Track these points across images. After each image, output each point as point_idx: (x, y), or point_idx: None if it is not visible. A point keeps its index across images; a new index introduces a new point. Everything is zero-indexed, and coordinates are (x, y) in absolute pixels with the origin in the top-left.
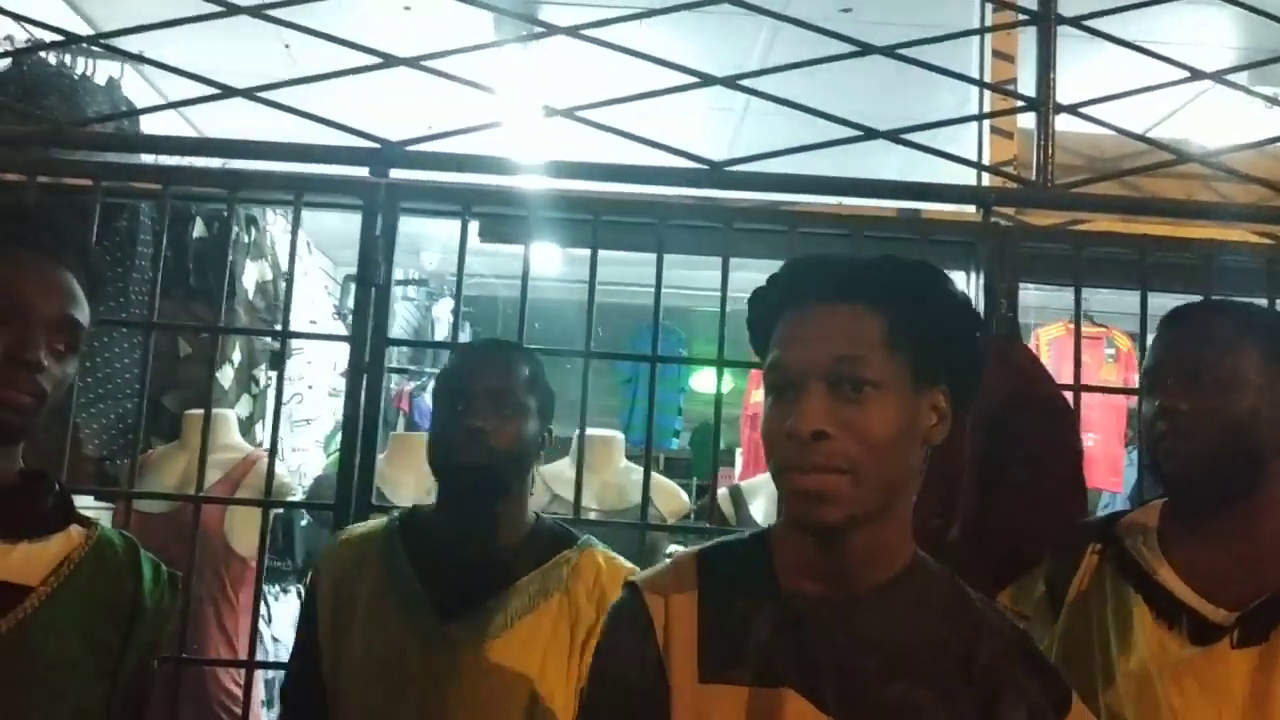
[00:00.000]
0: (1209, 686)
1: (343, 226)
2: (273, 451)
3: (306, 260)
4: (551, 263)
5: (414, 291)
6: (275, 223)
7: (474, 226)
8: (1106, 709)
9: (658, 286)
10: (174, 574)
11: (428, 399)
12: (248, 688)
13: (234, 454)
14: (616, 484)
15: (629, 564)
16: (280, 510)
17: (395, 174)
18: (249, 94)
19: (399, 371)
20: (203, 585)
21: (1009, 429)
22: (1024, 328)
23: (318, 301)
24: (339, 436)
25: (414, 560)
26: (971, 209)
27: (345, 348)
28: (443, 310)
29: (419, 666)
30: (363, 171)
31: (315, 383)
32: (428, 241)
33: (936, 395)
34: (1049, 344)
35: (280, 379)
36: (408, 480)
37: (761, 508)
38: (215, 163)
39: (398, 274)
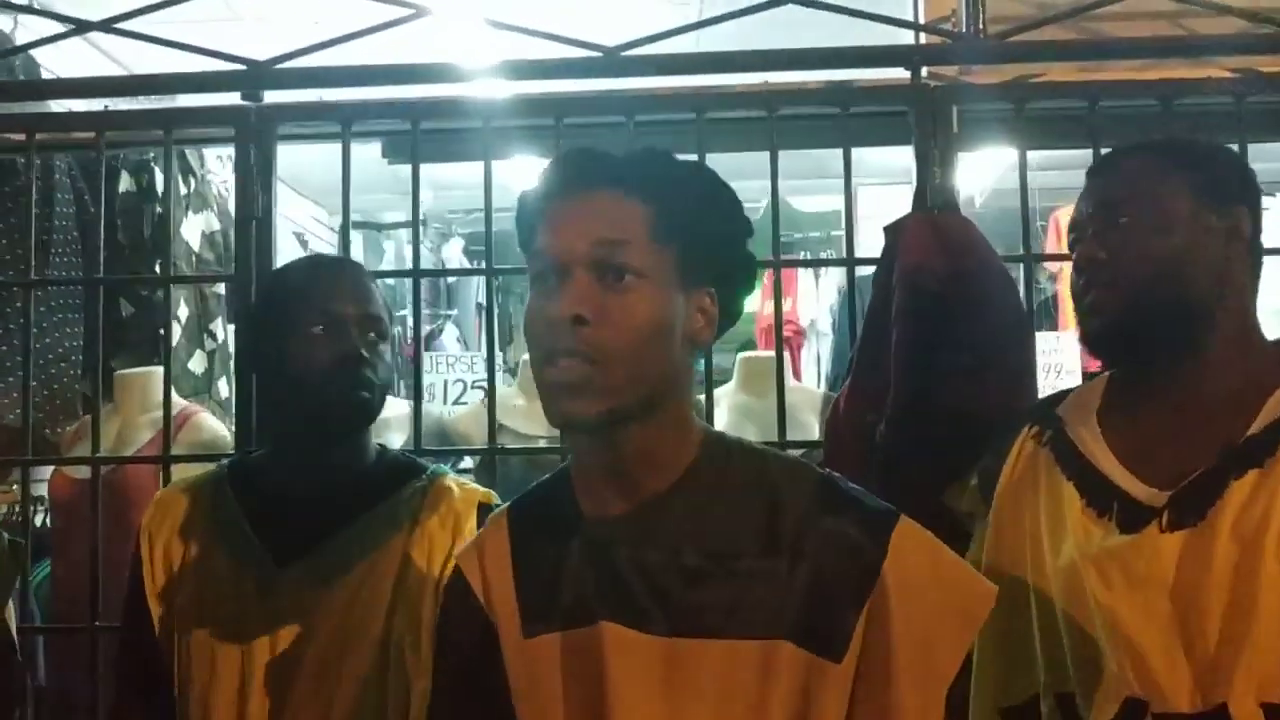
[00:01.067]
0: (1136, 578)
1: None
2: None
3: (285, 207)
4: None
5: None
6: (226, 165)
7: (375, 147)
8: (1037, 610)
9: None
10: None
11: (445, 341)
12: None
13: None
14: None
15: (483, 489)
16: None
17: (280, 96)
18: (105, 27)
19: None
20: None
21: (946, 310)
22: (1040, 210)
23: (298, 253)
24: None
25: (245, 507)
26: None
27: None
28: (454, 251)
29: (258, 616)
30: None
31: None
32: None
33: (703, 297)
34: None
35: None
36: None
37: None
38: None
39: (397, 216)
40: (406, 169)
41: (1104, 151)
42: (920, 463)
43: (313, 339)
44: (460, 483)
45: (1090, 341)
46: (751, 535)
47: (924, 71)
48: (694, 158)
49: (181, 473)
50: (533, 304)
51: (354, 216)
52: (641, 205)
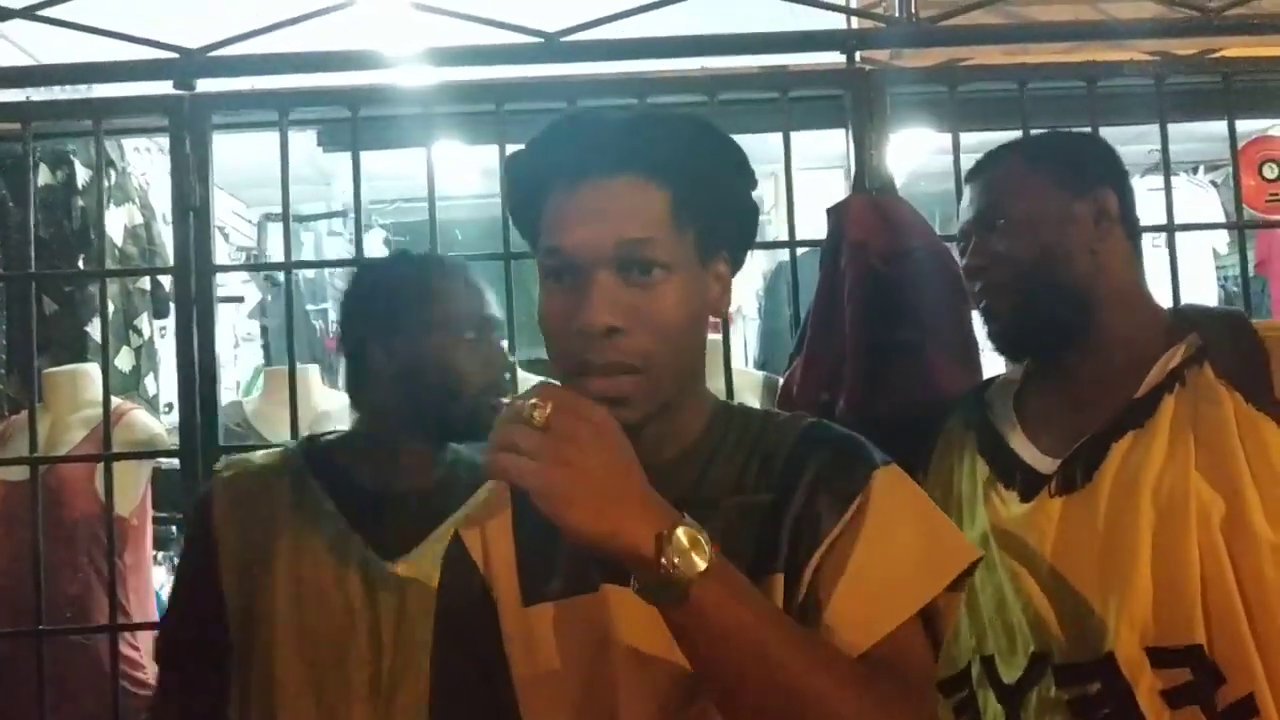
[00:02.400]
0: (1031, 542)
1: (252, 163)
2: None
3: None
4: (469, 179)
5: (339, 225)
6: (146, 157)
7: (310, 136)
8: None
9: None
10: None
11: None
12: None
13: (100, 410)
14: None
15: None
16: (159, 465)
17: (213, 85)
18: (30, 14)
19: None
20: (78, 550)
21: (891, 288)
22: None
23: (221, 248)
24: (260, 380)
25: (335, 497)
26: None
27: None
28: (374, 240)
29: (365, 612)
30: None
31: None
32: (341, 170)
33: (719, 264)
34: None
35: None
36: (285, 416)
37: None
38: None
39: (318, 207)
40: (327, 160)
41: (1033, 132)
42: (879, 439)
43: (464, 344)
44: None
45: (994, 345)
46: (744, 483)
47: (857, 56)
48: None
49: (121, 471)
50: (552, 304)
51: (271, 208)
52: (661, 191)
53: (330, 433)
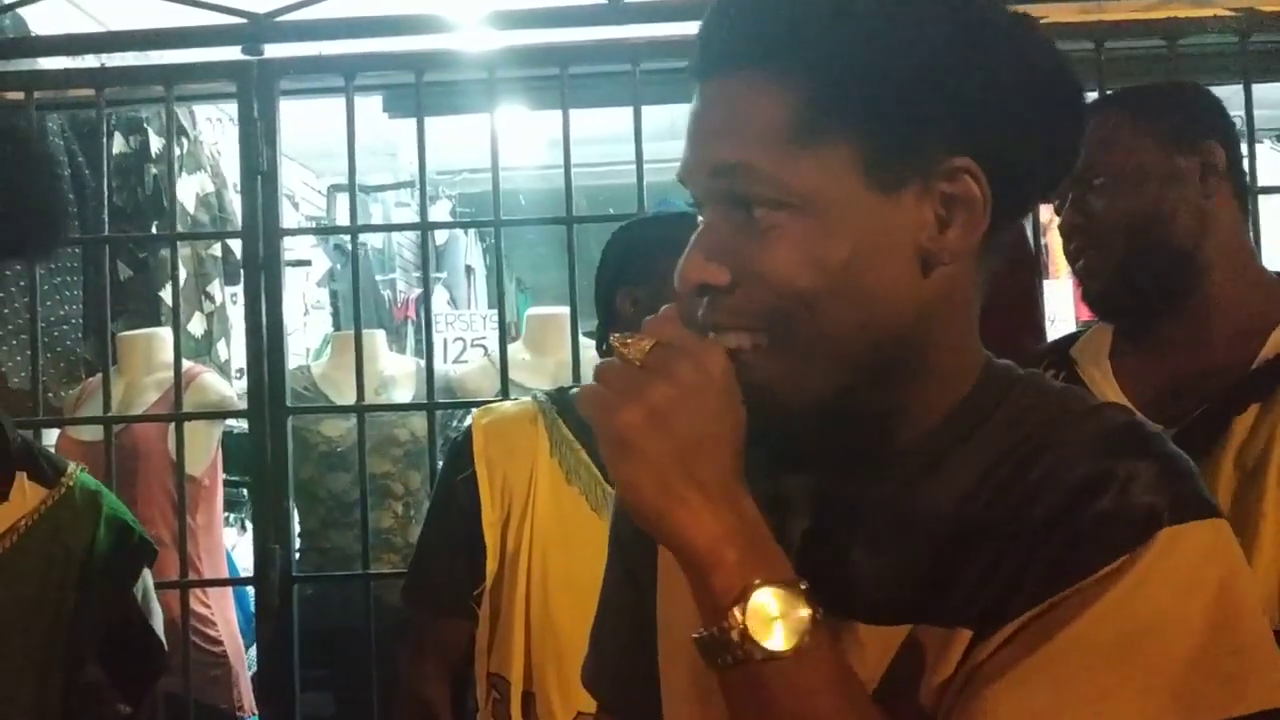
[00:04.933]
0: None
1: (322, 133)
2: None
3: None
4: (534, 150)
5: (407, 196)
6: (218, 127)
7: (375, 100)
8: None
9: (638, 141)
10: (144, 539)
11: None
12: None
13: (173, 373)
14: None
15: None
16: (227, 428)
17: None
18: None
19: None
20: (153, 508)
21: None
22: None
23: (290, 216)
24: (328, 348)
25: (585, 446)
26: None
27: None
28: (442, 212)
29: None
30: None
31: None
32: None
33: (937, 184)
34: None
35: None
36: (351, 380)
37: None
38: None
39: (385, 178)
40: (394, 131)
41: (1109, 93)
42: None
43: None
44: None
45: (1092, 305)
46: (981, 491)
47: None
48: None
49: (192, 432)
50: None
51: (340, 179)
52: (783, 91)
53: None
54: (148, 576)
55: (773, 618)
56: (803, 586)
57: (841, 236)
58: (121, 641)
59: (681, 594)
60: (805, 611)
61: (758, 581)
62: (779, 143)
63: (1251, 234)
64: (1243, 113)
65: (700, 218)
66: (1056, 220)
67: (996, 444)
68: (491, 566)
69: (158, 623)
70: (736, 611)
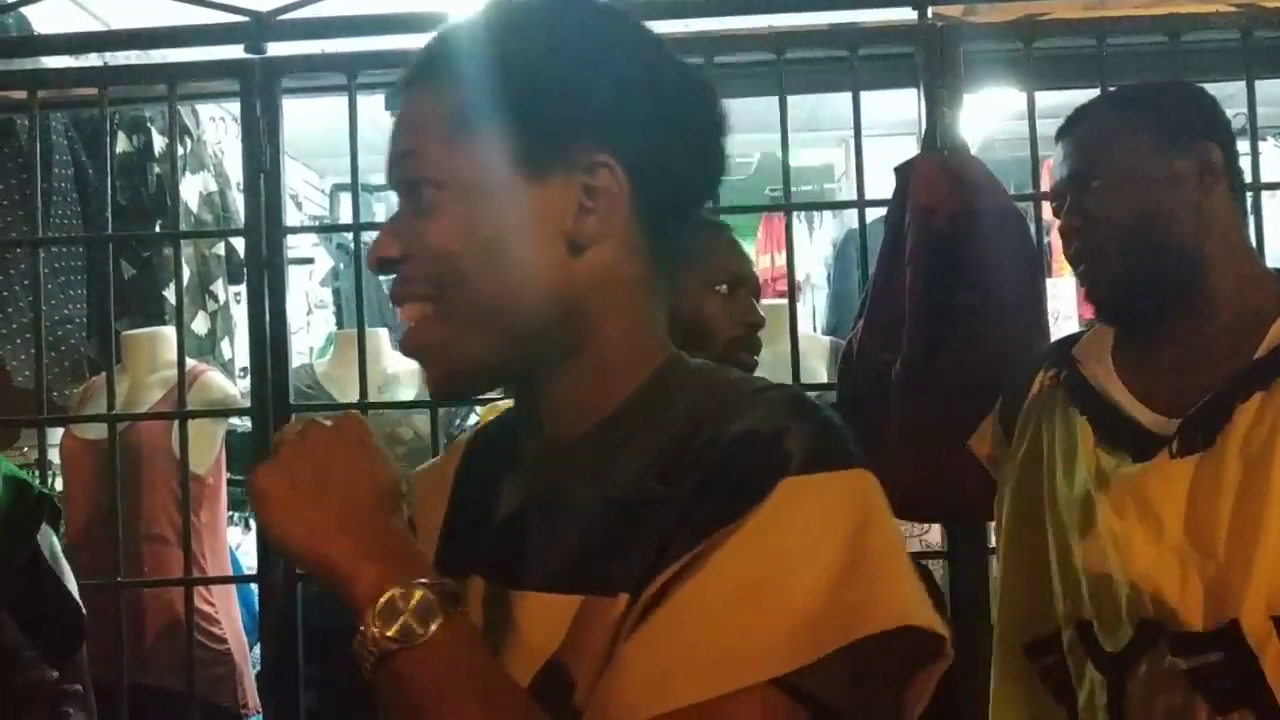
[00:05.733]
0: (1147, 505)
1: (325, 132)
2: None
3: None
4: None
5: None
6: (221, 126)
7: (377, 99)
8: (1054, 542)
9: None
10: (43, 494)
11: None
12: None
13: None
14: None
15: None
16: (231, 427)
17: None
18: None
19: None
20: (158, 506)
21: (957, 248)
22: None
23: (294, 216)
24: (332, 347)
25: None
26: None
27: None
28: None
29: None
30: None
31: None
32: None
33: (586, 173)
34: None
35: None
36: (354, 378)
37: None
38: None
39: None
40: None
41: (1103, 94)
42: (937, 403)
43: (716, 296)
44: None
45: (1095, 309)
46: (652, 470)
47: (928, 12)
48: None
49: (196, 430)
50: None
51: (343, 179)
52: (443, 94)
53: None
54: (54, 539)
55: (400, 615)
56: (434, 585)
57: (492, 213)
58: (38, 603)
59: None
60: (434, 607)
61: (389, 587)
62: (440, 133)
63: (1254, 231)
64: (1245, 110)
65: None
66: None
67: (670, 428)
68: None
69: (70, 583)
70: (369, 615)
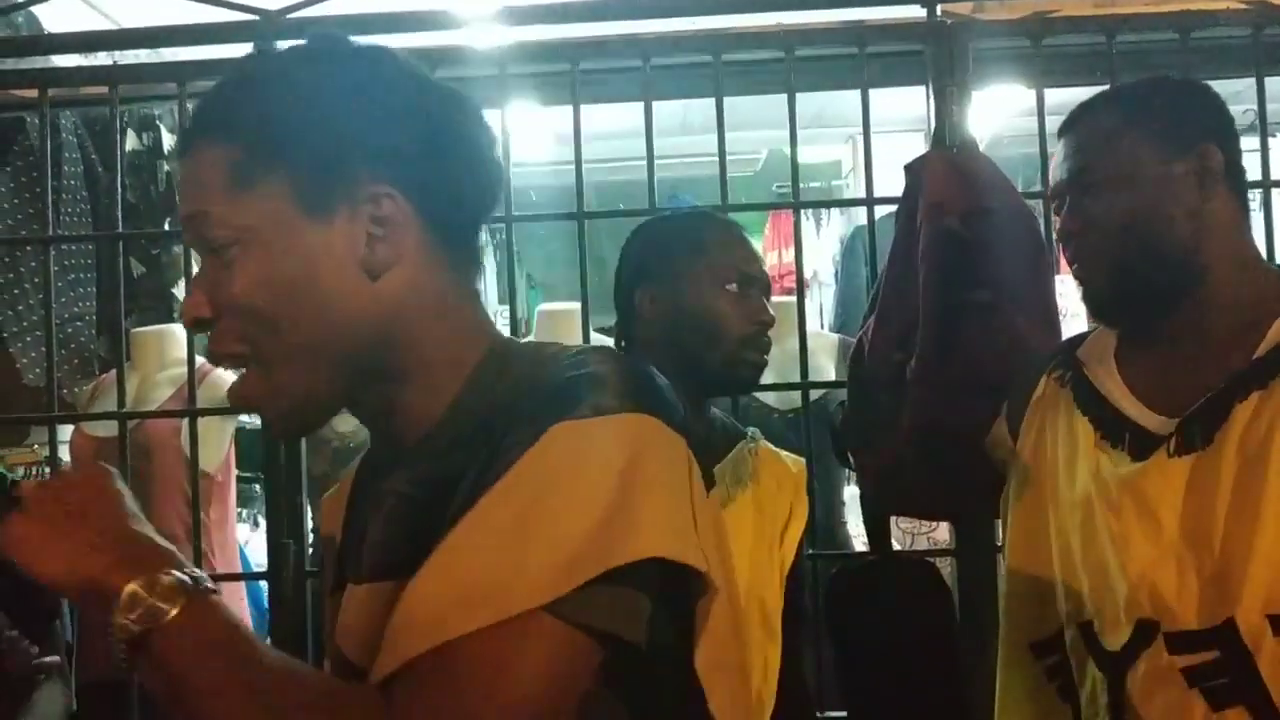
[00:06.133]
0: (1145, 505)
1: None
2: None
3: None
4: (544, 146)
5: None
6: None
7: None
8: (1056, 542)
9: (648, 136)
10: (13, 481)
11: None
12: None
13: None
14: None
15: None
16: (240, 424)
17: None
18: None
19: None
20: (168, 503)
21: (966, 248)
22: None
23: None
24: None
25: None
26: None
27: None
28: None
29: None
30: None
31: None
32: None
33: (368, 205)
34: None
35: None
36: None
37: None
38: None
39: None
40: None
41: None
42: (950, 402)
43: (725, 295)
44: (773, 450)
45: (1089, 309)
46: (453, 452)
47: (937, 9)
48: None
49: (205, 427)
50: None
51: None
52: (219, 149)
53: None
54: None
55: (144, 602)
56: (179, 574)
57: (287, 257)
58: (12, 583)
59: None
60: (177, 591)
61: (130, 584)
62: (221, 189)
63: (1265, 229)
64: (1255, 106)
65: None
66: None
67: (483, 412)
68: None
69: None
70: (117, 613)
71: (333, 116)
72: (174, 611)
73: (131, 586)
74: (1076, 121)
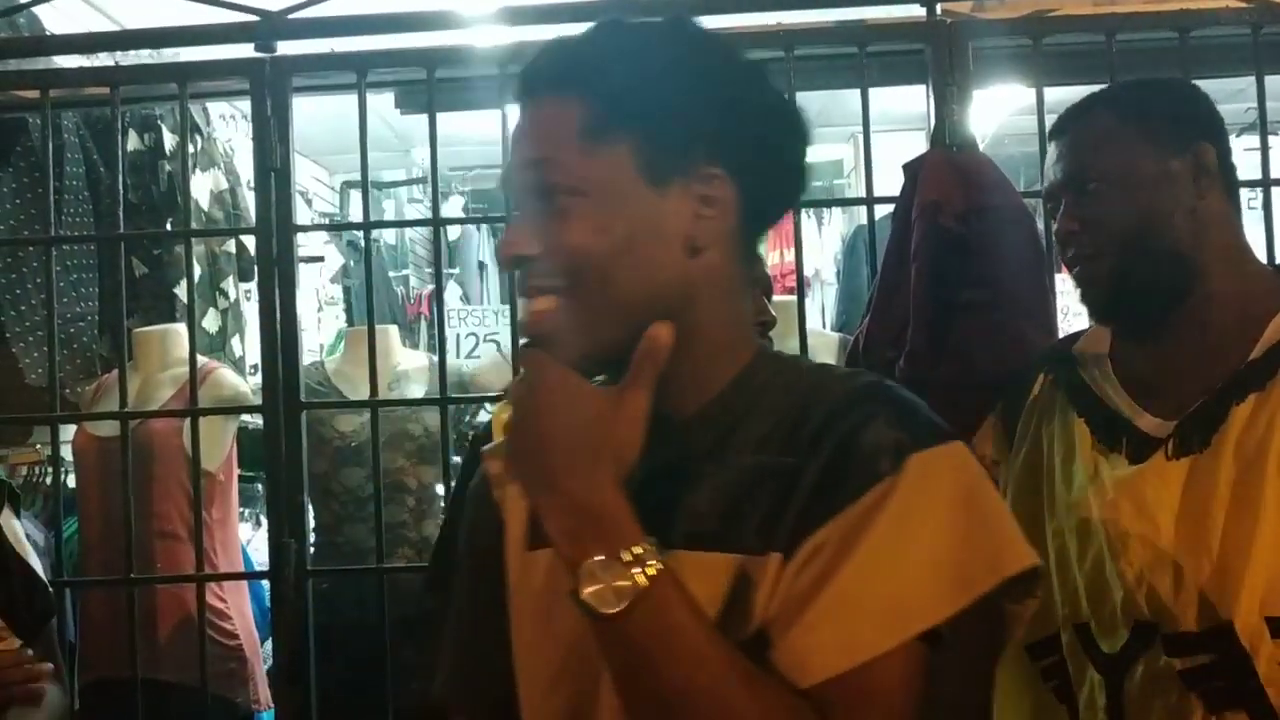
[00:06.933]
0: (1142, 507)
1: (335, 130)
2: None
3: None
4: None
5: (419, 193)
6: (231, 124)
7: (388, 97)
8: (1052, 544)
9: None
10: (3, 480)
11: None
12: None
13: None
14: None
15: None
16: (241, 424)
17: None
18: None
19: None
20: (170, 502)
21: (960, 247)
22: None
23: (304, 214)
24: (342, 344)
25: None
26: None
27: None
28: (455, 209)
29: None
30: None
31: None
32: (420, 136)
33: (699, 183)
34: None
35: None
36: (365, 375)
37: None
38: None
39: (398, 175)
40: (406, 127)
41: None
42: (941, 400)
43: None
44: None
45: (1089, 310)
46: (771, 442)
47: (937, 9)
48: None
49: (207, 427)
50: None
51: (353, 176)
52: (571, 106)
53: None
54: (15, 521)
55: (622, 576)
56: (645, 547)
57: (622, 217)
58: (7, 584)
59: (539, 599)
60: (651, 557)
61: (628, 550)
62: (570, 142)
63: (1264, 228)
64: (1255, 105)
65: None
66: None
67: (776, 406)
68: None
69: (34, 562)
70: (585, 576)
71: (686, 95)
72: (650, 583)
73: (634, 550)
74: (1069, 123)
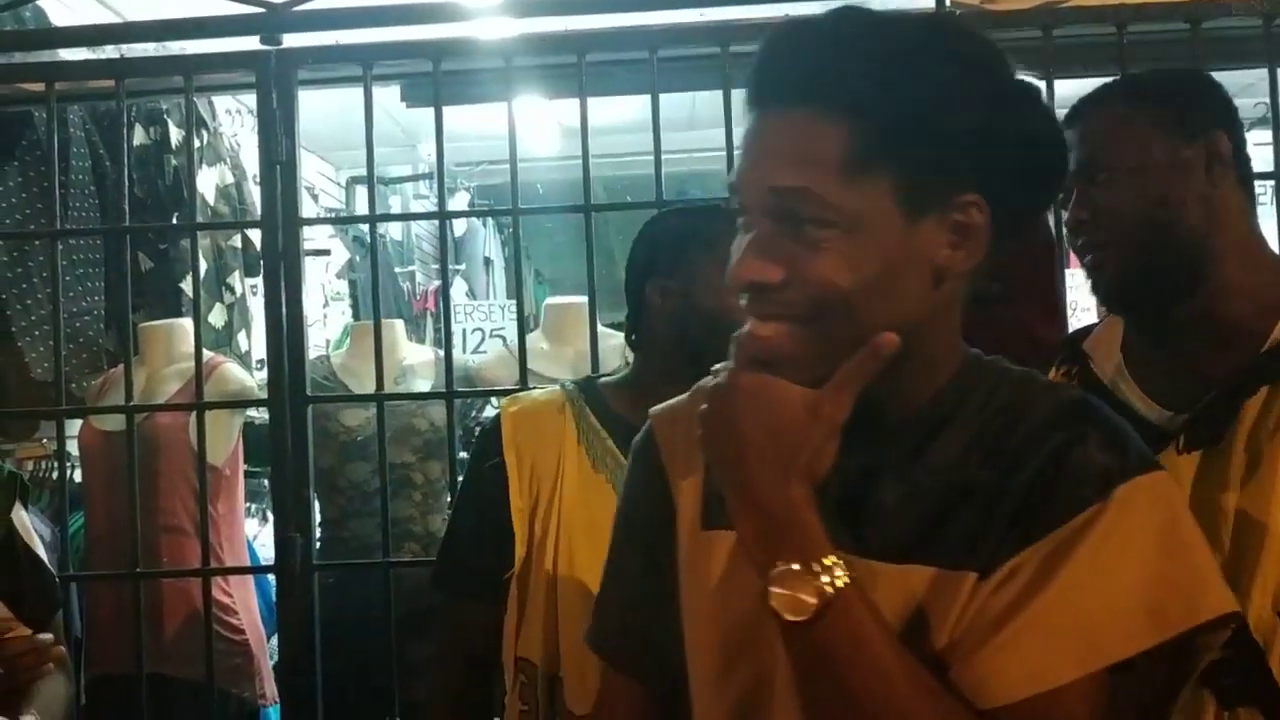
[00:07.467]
0: None
1: (340, 126)
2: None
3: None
4: (551, 140)
5: (425, 189)
6: (237, 119)
7: (394, 91)
8: None
9: (655, 130)
10: (13, 473)
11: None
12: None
13: (194, 363)
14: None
15: None
16: (247, 419)
17: (299, 40)
18: None
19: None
20: (176, 496)
21: None
22: None
23: (309, 209)
24: (348, 338)
25: (611, 435)
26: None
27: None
28: (461, 204)
29: None
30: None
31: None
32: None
33: (956, 212)
34: None
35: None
36: (370, 369)
37: None
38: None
39: (404, 171)
40: (413, 122)
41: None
42: None
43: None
44: None
45: (1102, 300)
46: (973, 454)
47: (947, 1)
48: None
49: (213, 421)
50: (735, 244)
51: (359, 171)
52: (836, 127)
53: (608, 373)
54: (24, 514)
55: (817, 581)
56: (832, 559)
57: (877, 251)
58: (17, 577)
59: (713, 579)
60: (837, 570)
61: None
62: (831, 173)
63: (1276, 219)
64: (1267, 98)
65: (741, 221)
66: None
67: (979, 417)
68: (520, 552)
69: (42, 553)
70: (775, 585)
71: (952, 122)
72: (837, 595)
73: (824, 561)
74: (1081, 113)
